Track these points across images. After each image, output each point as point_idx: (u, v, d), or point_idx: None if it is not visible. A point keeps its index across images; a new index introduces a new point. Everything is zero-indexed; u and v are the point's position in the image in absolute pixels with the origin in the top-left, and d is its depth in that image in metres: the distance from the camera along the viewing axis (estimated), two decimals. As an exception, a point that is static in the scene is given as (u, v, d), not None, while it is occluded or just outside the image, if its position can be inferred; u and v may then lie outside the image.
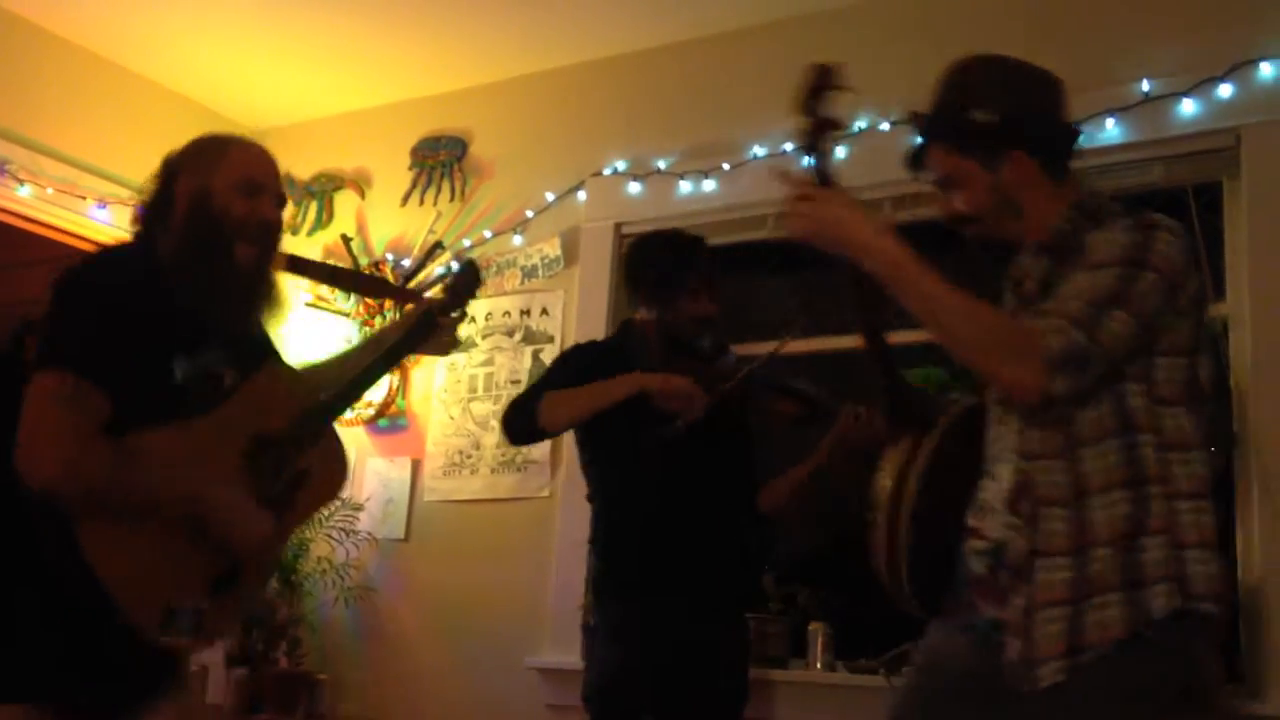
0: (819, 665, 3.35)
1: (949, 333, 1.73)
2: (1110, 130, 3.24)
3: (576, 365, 2.86)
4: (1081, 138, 1.97)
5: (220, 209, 2.09)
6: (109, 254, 2.24)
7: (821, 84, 1.88)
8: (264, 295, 2.18)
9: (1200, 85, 3.15)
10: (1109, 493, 1.70)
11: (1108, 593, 1.66)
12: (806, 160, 1.90)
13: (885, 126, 3.58)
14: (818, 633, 3.36)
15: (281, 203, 2.22)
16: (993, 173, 1.86)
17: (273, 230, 2.18)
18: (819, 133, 1.89)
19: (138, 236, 2.14)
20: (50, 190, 4.15)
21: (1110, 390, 1.72)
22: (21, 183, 4.09)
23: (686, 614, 2.65)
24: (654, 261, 2.82)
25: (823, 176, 1.88)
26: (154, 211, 2.12)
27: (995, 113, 1.86)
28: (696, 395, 2.63)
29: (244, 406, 2.11)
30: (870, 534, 1.87)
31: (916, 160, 1.95)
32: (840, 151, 3.62)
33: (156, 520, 1.95)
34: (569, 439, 3.87)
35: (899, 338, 3.47)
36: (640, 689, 2.64)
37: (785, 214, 1.85)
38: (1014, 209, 1.87)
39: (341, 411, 2.33)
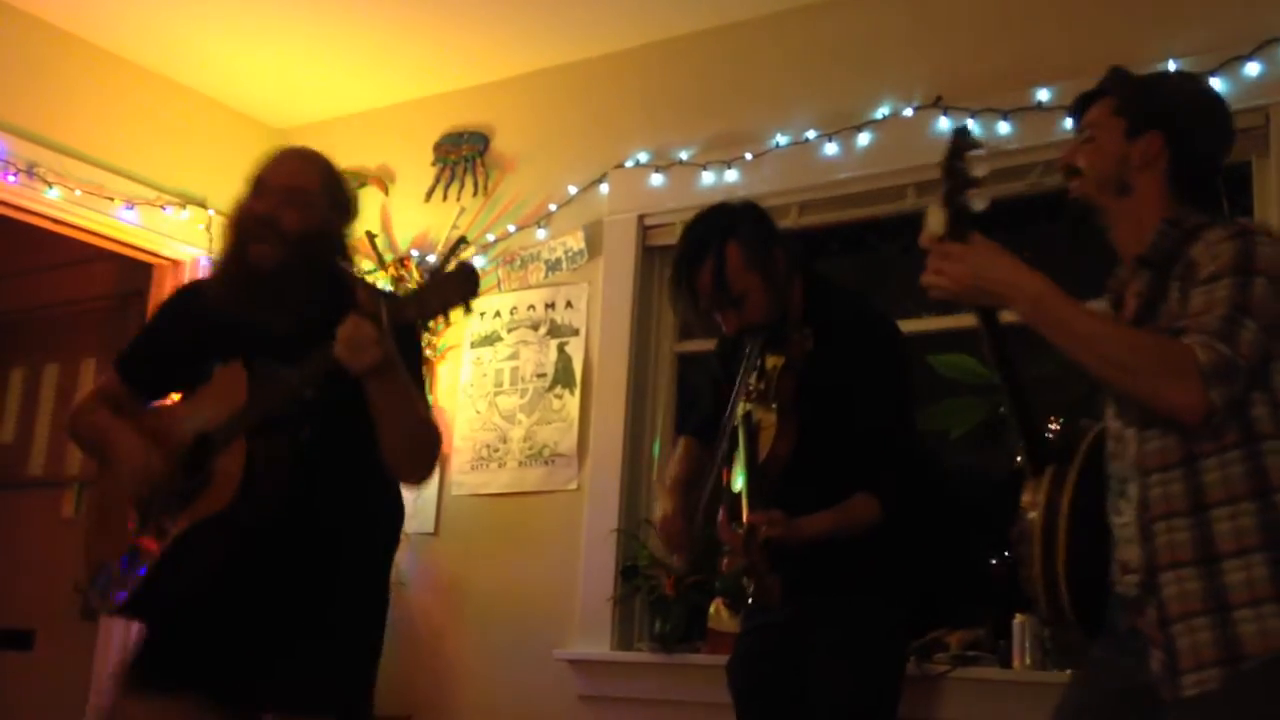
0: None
1: (1106, 362, 1.74)
2: (1137, 111, 3.21)
3: None
4: (1221, 176, 1.99)
5: (235, 215, 2.21)
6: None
7: (962, 145, 1.89)
8: (299, 290, 2.13)
9: (1228, 64, 3.11)
10: (1235, 504, 1.72)
11: (1264, 604, 1.68)
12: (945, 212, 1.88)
13: (908, 113, 3.56)
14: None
15: (295, 200, 2.16)
16: (1129, 142, 1.91)
17: (273, 224, 2.13)
18: (959, 191, 1.88)
19: None
20: (78, 192, 4.18)
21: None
22: (50, 185, 4.12)
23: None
24: None
25: (958, 232, 1.85)
26: None
27: (1166, 97, 1.95)
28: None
29: (193, 403, 2.24)
30: (1023, 568, 1.89)
31: (1084, 102, 2.00)
32: (864, 138, 3.63)
33: (108, 488, 2.26)
34: (597, 431, 3.90)
35: (927, 324, 3.54)
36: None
37: (926, 278, 1.83)
38: (1124, 186, 1.92)
39: (253, 421, 2.11)
